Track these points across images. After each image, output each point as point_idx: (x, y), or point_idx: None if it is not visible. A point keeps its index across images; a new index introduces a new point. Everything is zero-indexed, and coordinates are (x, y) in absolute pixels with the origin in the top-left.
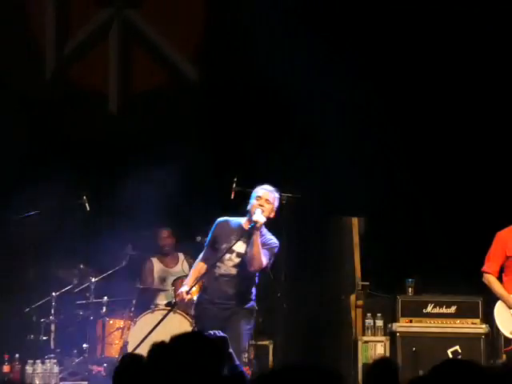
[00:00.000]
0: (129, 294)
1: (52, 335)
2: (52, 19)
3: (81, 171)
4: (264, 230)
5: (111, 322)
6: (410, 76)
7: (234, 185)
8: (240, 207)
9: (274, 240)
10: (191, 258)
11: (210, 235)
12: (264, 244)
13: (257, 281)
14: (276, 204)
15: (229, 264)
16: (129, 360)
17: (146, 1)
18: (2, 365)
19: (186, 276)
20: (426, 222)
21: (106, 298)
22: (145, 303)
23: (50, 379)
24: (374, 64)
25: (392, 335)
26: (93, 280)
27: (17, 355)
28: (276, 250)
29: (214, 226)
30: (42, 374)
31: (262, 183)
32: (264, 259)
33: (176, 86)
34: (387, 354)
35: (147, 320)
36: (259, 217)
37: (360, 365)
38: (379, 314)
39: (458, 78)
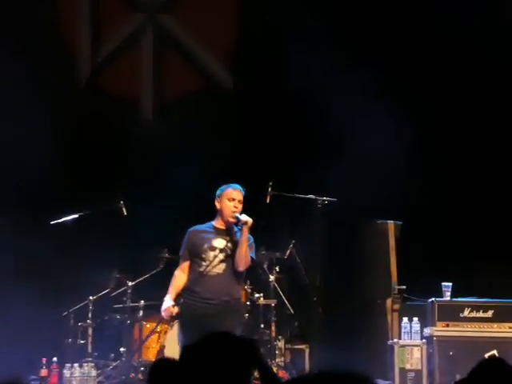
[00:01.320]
0: None
1: (89, 339)
2: (85, 26)
3: (117, 176)
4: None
5: (148, 325)
6: (443, 76)
7: (270, 189)
8: (275, 211)
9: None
10: None
11: (184, 245)
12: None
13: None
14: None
15: (216, 261)
16: (163, 363)
17: (180, 6)
18: (40, 369)
19: None
20: (462, 225)
21: (142, 302)
22: None
23: (88, 383)
24: (405, 70)
25: (429, 339)
26: (129, 284)
27: (54, 359)
28: (253, 244)
29: (186, 236)
30: (79, 378)
31: (298, 188)
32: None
33: (210, 93)
34: (424, 359)
35: None
36: (246, 217)
37: (397, 369)
38: (416, 318)
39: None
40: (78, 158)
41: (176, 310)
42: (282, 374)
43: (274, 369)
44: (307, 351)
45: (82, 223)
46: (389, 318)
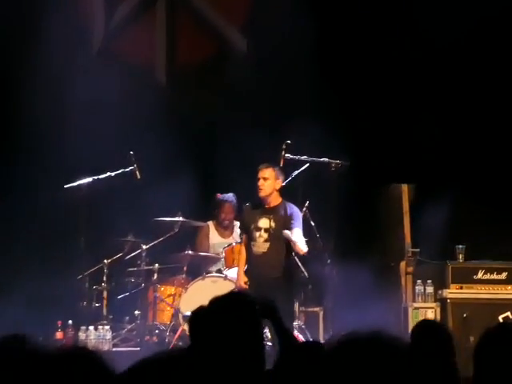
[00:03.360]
0: (180, 261)
1: (104, 302)
2: None
3: (131, 141)
4: (286, 207)
5: (162, 288)
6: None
7: (283, 152)
8: (289, 175)
9: (295, 213)
10: None
11: (240, 222)
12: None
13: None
14: (276, 174)
15: (260, 240)
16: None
17: None
18: (55, 331)
19: (240, 243)
20: (476, 187)
21: (157, 265)
22: (196, 270)
23: (103, 345)
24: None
25: (442, 301)
26: (144, 247)
27: (70, 322)
28: (301, 215)
29: (242, 213)
30: (94, 340)
31: (311, 151)
32: (301, 240)
33: (224, 57)
34: (438, 320)
35: (198, 287)
36: (301, 247)
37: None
38: (429, 281)
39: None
40: (92, 121)
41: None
42: (297, 337)
43: None
44: (321, 314)
45: (96, 187)
46: (403, 280)
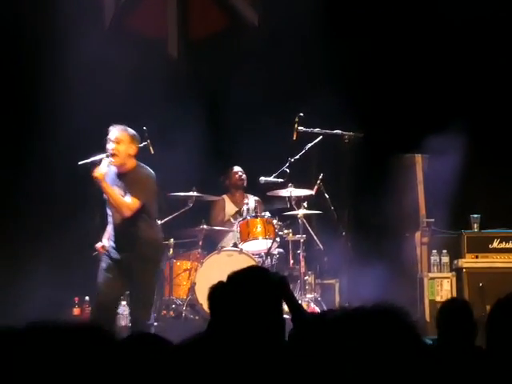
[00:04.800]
0: (195, 236)
1: None
2: None
3: (143, 115)
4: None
5: (178, 263)
6: None
7: (296, 125)
8: (300, 148)
9: (143, 175)
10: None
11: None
12: (131, 185)
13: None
14: (126, 138)
15: (113, 210)
16: (220, 286)
17: None
18: (72, 308)
19: (254, 217)
20: (490, 156)
21: (172, 240)
22: (211, 244)
23: (120, 321)
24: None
25: (458, 271)
26: (159, 222)
27: (87, 298)
28: (153, 180)
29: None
30: None
31: (324, 123)
32: (131, 201)
33: (236, 31)
34: (454, 290)
35: (214, 261)
36: (99, 170)
37: (427, 301)
38: (445, 251)
39: None
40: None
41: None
42: (313, 309)
43: (305, 304)
44: (337, 286)
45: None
46: (418, 251)
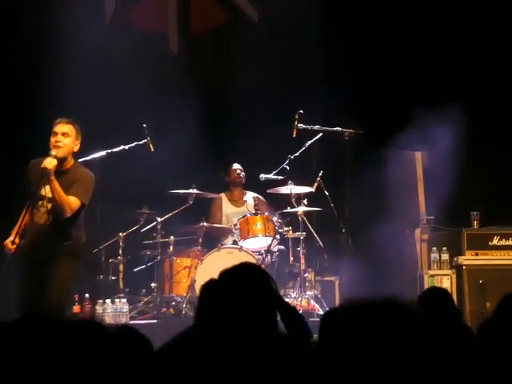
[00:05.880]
0: (195, 233)
1: (120, 275)
2: None
3: (144, 112)
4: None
5: (178, 261)
6: None
7: (296, 122)
8: (300, 145)
9: (86, 176)
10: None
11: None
12: (72, 184)
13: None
14: (73, 133)
15: (42, 210)
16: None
17: None
18: (72, 305)
19: (254, 214)
20: (490, 153)
21: (172, 237)
22: (211, 241)
23: (120, 318)
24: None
25: (458, 268)
26: (159, 220)
27: (87, 295)
28: (94, 182)
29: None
30: (111, 314)
31: (323, 119)
32: (73, 200)
33: (236, 26)
34: (453, 287)
35: (214, 258)
36: (50, 162)
37: None
38: (445, 248)
39: None
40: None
41: (14, 246)
42: (313, 306)
43: (305, 301)
44: (337, 283)
45: (110, 160)
46: (418, 248)
